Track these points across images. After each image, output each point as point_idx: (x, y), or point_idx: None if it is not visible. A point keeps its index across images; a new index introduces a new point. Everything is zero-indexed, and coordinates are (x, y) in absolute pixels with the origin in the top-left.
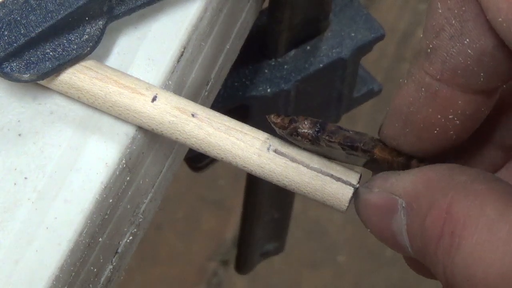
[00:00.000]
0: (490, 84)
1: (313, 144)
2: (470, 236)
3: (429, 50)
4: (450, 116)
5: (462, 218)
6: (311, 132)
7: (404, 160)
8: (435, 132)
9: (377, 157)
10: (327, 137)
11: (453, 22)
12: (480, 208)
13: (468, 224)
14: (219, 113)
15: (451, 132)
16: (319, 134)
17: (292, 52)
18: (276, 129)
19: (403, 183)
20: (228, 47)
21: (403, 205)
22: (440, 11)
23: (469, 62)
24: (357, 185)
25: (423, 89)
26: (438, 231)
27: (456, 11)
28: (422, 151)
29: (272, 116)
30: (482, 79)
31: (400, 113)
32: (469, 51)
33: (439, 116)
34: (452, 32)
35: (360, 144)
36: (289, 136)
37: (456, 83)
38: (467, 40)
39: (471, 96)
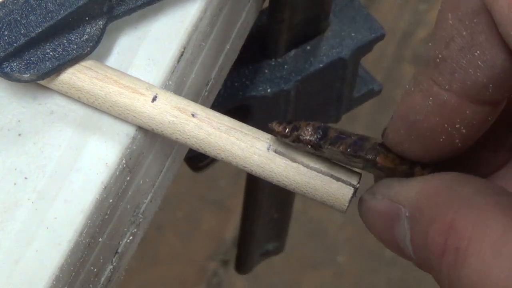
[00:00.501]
0: (499, 95)
1: (316, 150)
2: (476, 253)
3: (438, 60)
4: (457, 125)
5: (467, 233)
6: (313, 139)
7: (407, 168)
8: (441, 140)
9: (379, 166)
10: (329, 146)
11: (464, 33)
12: (484, 223)
13: (473, 240)
14: (219, 113)
15: (457, 140)
16: (321, 141)
17: (292, 52)
18: (278, 137)
19: (406, 193)
20: (228, 47)
21: (407, 214)
22: (450, 21)
23: (478, 74)
24: (358, 185)
25: (430, 98)
26: (442, 245)
27: (467, 23)
28: (426, 157)
29: (274, 124)
30: (491, 90)
31: (406, 120)
32: (479, 63)
33: (445, 125)
34: (462, 43)
35: (362, 153)
36: (291, 143)
37: (465, 93)
38: (478, 52)
39: (479, 106)
